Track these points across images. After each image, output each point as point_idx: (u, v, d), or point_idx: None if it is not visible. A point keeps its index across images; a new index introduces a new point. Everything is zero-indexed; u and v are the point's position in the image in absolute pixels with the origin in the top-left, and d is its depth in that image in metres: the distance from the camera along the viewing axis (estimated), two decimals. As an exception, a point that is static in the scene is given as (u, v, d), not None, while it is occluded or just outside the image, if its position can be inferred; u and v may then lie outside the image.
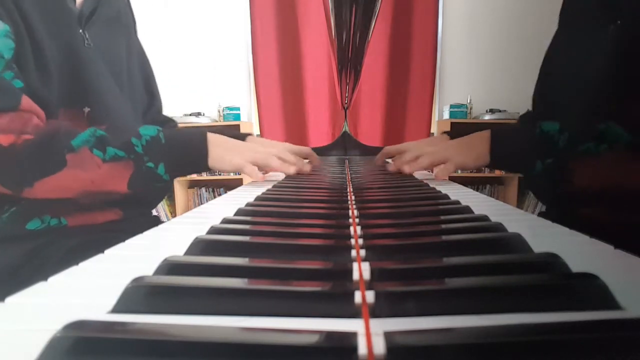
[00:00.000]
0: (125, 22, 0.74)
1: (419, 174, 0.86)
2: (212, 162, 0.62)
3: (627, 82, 0.56)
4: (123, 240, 0.33)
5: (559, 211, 0.66)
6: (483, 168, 2.50)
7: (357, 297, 0.20)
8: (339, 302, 0.20)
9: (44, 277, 0.25)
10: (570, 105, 0.65)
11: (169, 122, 0.88)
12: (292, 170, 0.68)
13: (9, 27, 0.53)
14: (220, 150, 0.63)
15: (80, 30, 0.62)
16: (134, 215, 0.69)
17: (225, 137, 0.66)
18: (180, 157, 0.60)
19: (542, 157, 0.59)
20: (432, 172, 0.77)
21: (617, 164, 0.54)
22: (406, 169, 0.71)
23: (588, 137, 0.55)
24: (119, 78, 0.69)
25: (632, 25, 0.55)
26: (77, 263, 0.28)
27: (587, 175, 0.56)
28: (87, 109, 0.62)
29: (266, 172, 0.79)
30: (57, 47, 0.58)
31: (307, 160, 0.76)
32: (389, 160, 0.83)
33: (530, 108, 0.79)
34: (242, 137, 0.74)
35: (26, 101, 0.53)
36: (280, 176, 0.81)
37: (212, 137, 0.63)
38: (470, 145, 0.67)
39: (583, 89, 0.62)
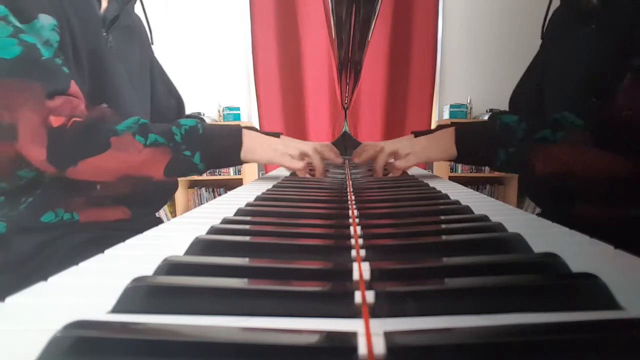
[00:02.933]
0: (138, 33, 0.80)
1: (418, 173, 0.86)
2: (244, 153, 0.65)
3: (598, 79, 0.60)
4: (129, 238, 0.34)
5: (557, 213, 0.68)
6: (482, 168, 2.50)
7: (357, 297, 0.20)
8: (339, 302, 0.20)
9: (52, 269, 0.25)
10: (545, 105, 0.72)
11: (201, 119, 0.93)
12: (303, 174, 0.71)
13: (56, 22, 0.57)
14: (253, 143, 0.66)
15: (104, 34, 0.67)
16: (142, 216, 0.72)
17: (258, 133, 0.69)
18: (216, 147, 0.63)
19: (504, 147, 0.62)
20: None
21: (574, 150, 0.57)
22: (380, 173, 0.75)
23: (545, 125, 0.59)
24: (133, 80, 0.73)
25: (606, 28, 0.61)
26: (83, 258, 0.28)
27: (546, 163, 0.59)
28: (104, 105, 0.65)
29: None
30: (86, 46, 0.62)
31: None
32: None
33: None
34: (276, 135, 0.78)
35: (74, 87, 0.57)
36: (281, 175, 0.81)
37: (246, 131, 0.67)
38: (436, 139, 0.71)
39: (559, 89, 0.69)
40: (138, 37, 0.79)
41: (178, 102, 0.91)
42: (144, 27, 0.83)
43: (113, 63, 0.67)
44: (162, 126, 0.61)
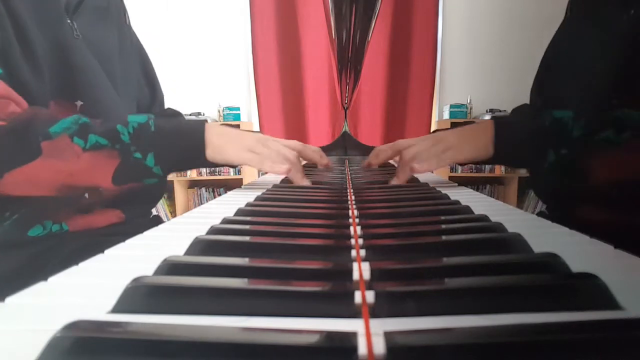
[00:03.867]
0: (116, 12, 0.69)
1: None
2: (211, 153, 0.56)
3: (625, 75, 0.52)
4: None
5: (561, 210, 0.63)
6: (483, 167, 2.50)
7: (357, 297, 0.20)
8: (339, 302, 0.20)
9: (44, 280, 0.24)
10: (577, 97, 0.59)
11: (176, 115, 0.80)
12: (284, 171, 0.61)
13: None
14: (221, 140, 0.57)
15: (69, 21, 0.58)
16: (135, 217, 0.67)
17: (228, 127, 0.60)
18: (173, 147, 0.55)
19: (555, 147, 0.52)
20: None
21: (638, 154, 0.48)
22: (404, 178, 0.63)
23: (607, 124, 0.49)
24: (111, 70, 0.64)
25: None
26: (77, 264, 0.28)
27: (607, 168, 0.50)
28: (79, 103, 0.58)
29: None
30: (45, 37, 0.55)
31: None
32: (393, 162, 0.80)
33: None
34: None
35: (2, 87, 0.49)
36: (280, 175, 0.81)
37: (211, 126, 0.57)
38: (469, 134, 0.60)
39: (593, 79, 0.57)
40: (115, 16, 0.69)
41: (152, 92, 0.79)
42: (122, 4, 0.73)
43: (82, 54, 0.58)
44: (106, 125, 0.52)
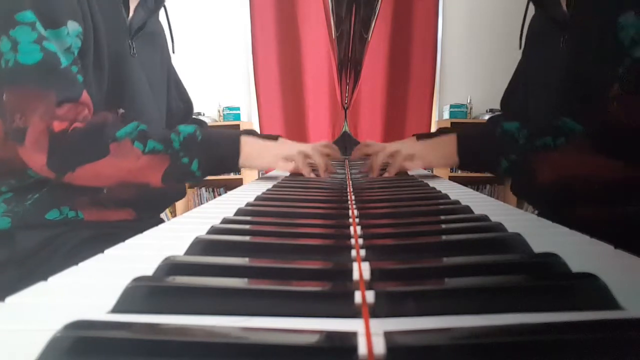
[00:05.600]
0: (160, 40, 0.82)
1: (418, 173, 0.86)
2: (242, 161, 0.66)
3: (578, 85, 0.62)
4: (133, 237, 0.34)
5: (556, 215, 0.68)
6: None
7: (357, 297, 0.20)
8: (339, 302, 0.20)
9: (55, 265, 0.25)
10: (531, 109, 0.73)
11: (201, 123, 0.96)
12: (307, 173, 0.71)
13: (82, 29, 0.58)
14: (251, 150, 0.67)
15: (129, 41, 0.68)
16: (146, 217, 0.72)
17: (257, 138, 0.70)
18: (214, 155, 0.64)
19: (505, 154, 0.62)
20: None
21: (575, 157, 0.58)
22: (376, 172, 0.74)
23: (545, 132, 0.60)
24: (152, 86, 0.74)
25: (577, 36, 0.63)
26: (87, 254, 0.28)
27: (548, 169, 0.60)
28: (121, 110, 0.67)
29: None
30: (111, 52, 0.64)
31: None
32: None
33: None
34: (274, 138, 0.78)
35: (85, 95, 0.57)
36: (281, 175, 0.81)
37: (244, 138, 0.67)
38: (438, 146, 0.71)
39: (542, 94, 0.70)
40: (160, 44, 0.81)
41: (186, 106, 0.92)
42: (165, 34, 0.86)
43: (135, 69, 0.68)
44: (161, 133, 0.62)
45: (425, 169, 0.84)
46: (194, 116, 0.97)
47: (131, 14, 0.70)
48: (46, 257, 0.59)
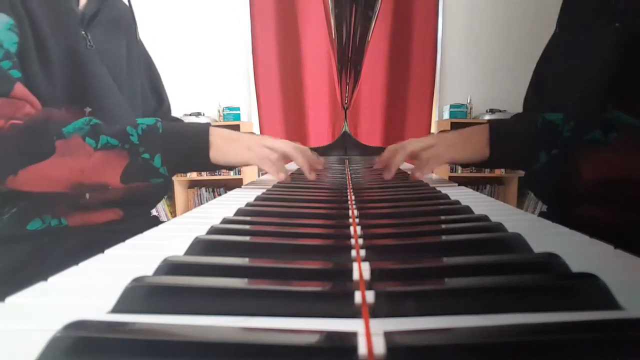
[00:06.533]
0: (126, 26, 0.73)
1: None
2: (214, 155, 0.58)
3: (628, 82, 0.54)
4: (123, 240, 0.33)
5: (561, 210, 0.64)
6: (483, 168, 2.50)
7: (357, 297, 0.20)
8: (339, 302, 0.20)
9: (44, 278, 0.24)
10: (571, 104, 0.61)
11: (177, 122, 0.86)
12: (282, 177, 0.63)
13: (13, 21, 0.53)
14: (223, 142, 0.59)
15: (83, 32, 0.62)
16: (134, 215, 0.68)
17: (230, 130, 0.63)
18: (179, 148, 0.57)
19: (547, 148, 0.55)
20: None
21: (627, 154, 0.50)
22: (392, 174, 0.67)
23: (595, 125, 0.52)
24: (119, 79, 0.68)
25: (631, 26, 0.54)
26: (77, 263, 0.27)
27: (595, 167, 0.52)
28: (88, 109, 0.61)
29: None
30: (59, 46, 0.58)
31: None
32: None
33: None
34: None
35: (20, 89, 0.51)
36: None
37: (214, 129, 0.60)
38: (467, 137, 0.62)
39: (585, 87, 0.59)
40: (125, 30, 0.73)
41: (158, 102, 0.82)
42: (133, 18, 0.76)
43: (94, 63, 0.62)
44: (117, 126, 0.55)
45: (453, 164, 0.70)
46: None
47: (82, 2, 0.64)
48: (34, 270, 0.54)
